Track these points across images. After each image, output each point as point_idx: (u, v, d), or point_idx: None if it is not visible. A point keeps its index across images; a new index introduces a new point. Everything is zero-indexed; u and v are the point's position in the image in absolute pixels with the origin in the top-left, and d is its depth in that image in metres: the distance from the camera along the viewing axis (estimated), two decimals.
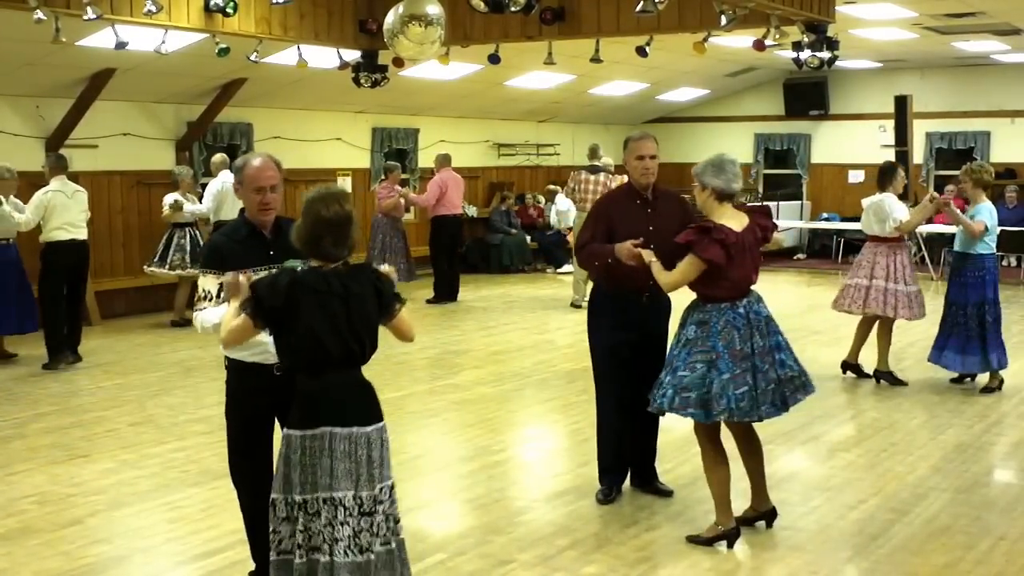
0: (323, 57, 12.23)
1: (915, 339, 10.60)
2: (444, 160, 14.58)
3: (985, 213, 8.54)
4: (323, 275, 3.94)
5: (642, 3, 9.19)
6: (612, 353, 5.91)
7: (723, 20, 9.94)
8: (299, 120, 15.21)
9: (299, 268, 3.96)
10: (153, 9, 9.15)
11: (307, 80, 13.18)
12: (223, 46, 10.64)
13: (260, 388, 4.40)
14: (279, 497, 3.97)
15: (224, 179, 12.10)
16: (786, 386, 5.27)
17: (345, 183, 16.04)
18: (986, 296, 8.62)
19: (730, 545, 5.32)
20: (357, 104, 15.45)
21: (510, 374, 9.75)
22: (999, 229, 8.96)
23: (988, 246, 8.62)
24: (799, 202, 20.23)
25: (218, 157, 12.55)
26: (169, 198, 12.29)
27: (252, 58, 11.28)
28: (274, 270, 4.12)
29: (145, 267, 12.47)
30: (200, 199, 12.46)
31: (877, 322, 9.12)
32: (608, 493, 6.07)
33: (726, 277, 5.18)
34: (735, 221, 5.24)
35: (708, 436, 5.34)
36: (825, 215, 19.72)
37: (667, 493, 6.15)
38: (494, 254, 17.97)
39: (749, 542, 5.43)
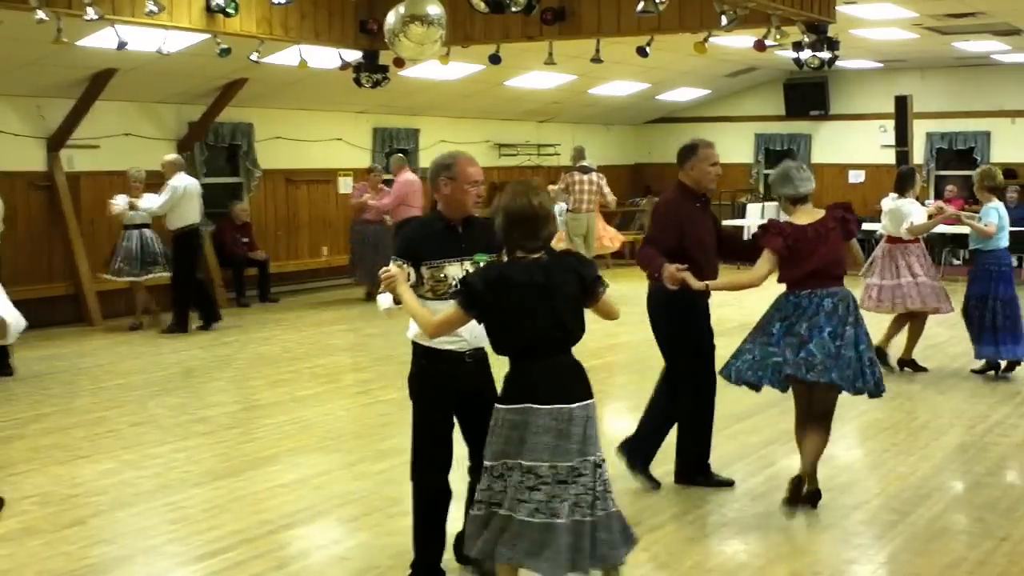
0: (324, 57, 12.23)
1: None
2: (400, 162, 14.13)
3: (992, 214, 8.78)
4: (525, 267, 4.12)
5: (643, 3, 9.20)
6: (701, 342, 6.10)
7: (723, 20, 9.95)
8: (300, 120, 15.21)
9: (483, 262, 4.22)
10: (154, 10, 9.16)
11: (308, 80, 13.17)
12: (224, 46, 10.65)
13: (450, 374, 4.54)
14: (485, 463, 4.17)
15: (184, 182, 11.66)
16: (793, 365, 5.54)
17: (346, 183, 16.05)
18: (992, 290, 8.82)
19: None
20: (358, 104, 15.45)
21: None
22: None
23: (996, 242, 8.82)
24: None
25: (172, 158, 12.02)
26: (119, 200, 11.77)
27: (253, 58, 11.29)
28: (465, 262, 4.44)
29: (102, 275, 12.16)
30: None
31: (906, 316, 9.34)
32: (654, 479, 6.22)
33: (787, 267, 5.60)
34: (806, 217, 5.66)
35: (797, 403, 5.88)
36: None
37: (728, 483, 6.29)
38: None
39: (752, 542, 5.43)
